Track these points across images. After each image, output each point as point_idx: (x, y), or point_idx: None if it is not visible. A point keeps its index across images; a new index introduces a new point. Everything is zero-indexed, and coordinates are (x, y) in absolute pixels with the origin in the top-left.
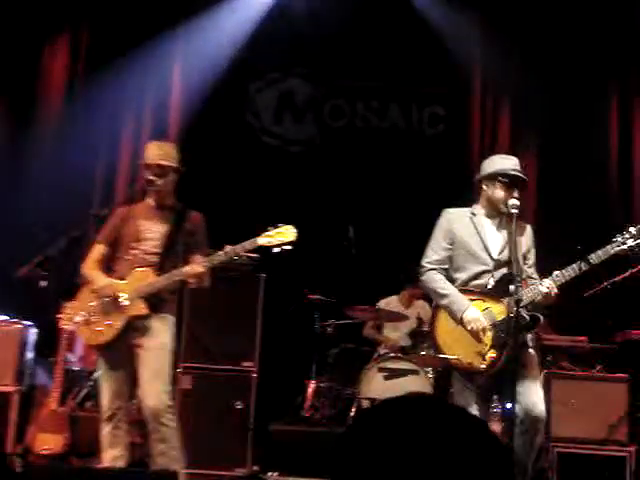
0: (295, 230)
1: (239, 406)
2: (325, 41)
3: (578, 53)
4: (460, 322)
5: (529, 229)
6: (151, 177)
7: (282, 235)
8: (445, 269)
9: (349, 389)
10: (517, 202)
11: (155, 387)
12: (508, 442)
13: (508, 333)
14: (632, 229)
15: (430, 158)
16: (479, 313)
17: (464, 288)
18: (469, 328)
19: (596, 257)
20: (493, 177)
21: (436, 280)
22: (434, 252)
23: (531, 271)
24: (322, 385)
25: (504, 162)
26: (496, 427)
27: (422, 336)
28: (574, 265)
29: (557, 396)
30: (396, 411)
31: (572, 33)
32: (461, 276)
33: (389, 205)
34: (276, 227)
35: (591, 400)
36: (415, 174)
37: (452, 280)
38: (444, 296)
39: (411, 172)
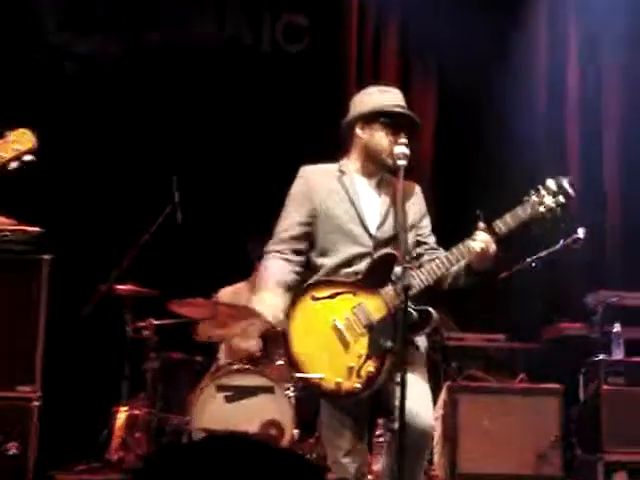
0: (32, 134)
1: (12, 451)
2: None
3: None
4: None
5: (417, 190)
6: None
7: (17, 144)
8: (300, 251)
9: (176, 417)
10: (406, 150)
11: None
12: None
13: (391, 336)
14: (550, 183)
15: (287, 87)
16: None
17: (331, 278)
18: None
19: (503, 225)
20: (371, 117)
21: (267, 267)
22: (282, 230)
23: (431, 241)
24: (137, 413)
25: (385, 97)
26: (378, 466)
27: (278, 339)
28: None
29: (464, 417)
30: (200, 457)
31: None
32: (327, 262)
33: (231, 154)
34: (2, 136)
35: (512, 421)
36: (267, 109)
37: (316, 267)
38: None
39: (261, 106)
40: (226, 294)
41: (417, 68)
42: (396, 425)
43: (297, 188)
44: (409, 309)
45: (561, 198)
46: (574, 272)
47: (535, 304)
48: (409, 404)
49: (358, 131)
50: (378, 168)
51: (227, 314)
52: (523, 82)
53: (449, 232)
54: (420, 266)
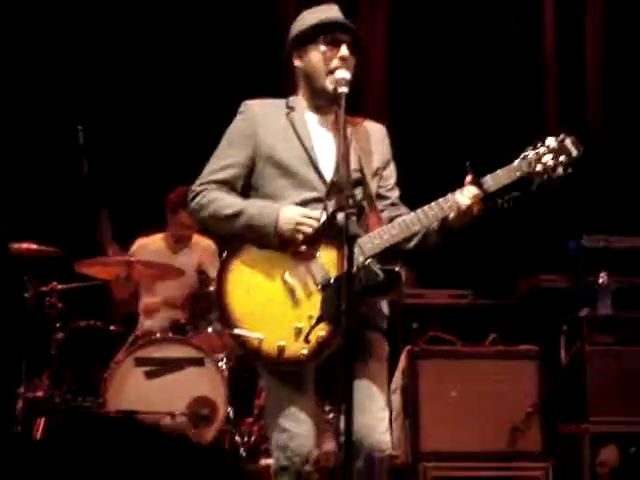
0: None
1: None
2: None
3: None
4: (279, 238)
5: (383, 131)
6: None
7: None
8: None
9: (89, 398)
10: (346, 74)
11: None
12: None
13: (346, 297)
14: (551, 141)
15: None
16: (310, 211)
17: None
18: (296, 235)
19: (493, 181)
20: (303, 39)
21: (217, 198)
22: (217, 169)
23: (394, 195)
24: (40, 395)
25: (314, 14)
26: (330, 445)
27: (208, 302)
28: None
29: (427, 386)
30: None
31: None
32: None
33: (150, 95)
34: None
35: (483, 389)
36: (196, 39)
37: None
38: (237, 214)
39: (188, 36)
40: (140, 247)
41: None
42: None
43: (237, 124)
44: (373, 267)
45: (562, 157)
46: (552, 215)
47: (507, 253)
48: (362, 410)
49: (296, 61)
50: (325, 101)
51: (145, 274)
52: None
53: (409, 182)
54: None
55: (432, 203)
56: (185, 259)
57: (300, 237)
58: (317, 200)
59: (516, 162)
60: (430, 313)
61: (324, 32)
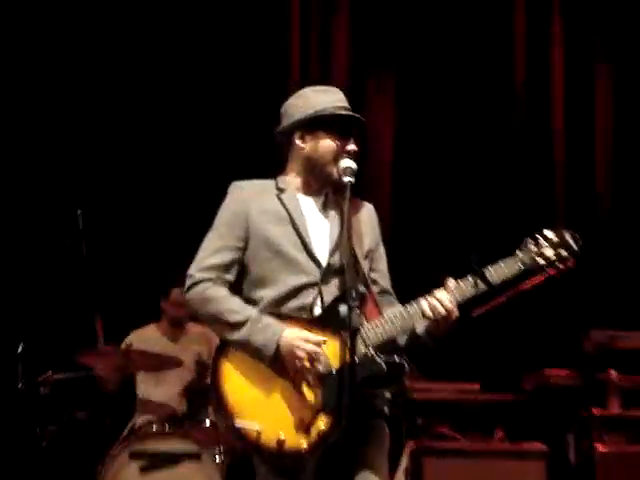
0: None
1: None
2: None
3: None
4: (273, 362)
5: (371, 211)
6: None
7: None
8: (230, 282)
9: None
10: (353, 164)
11: None
12: None
13: (347, 389)
14: (549, 234)
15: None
16: (311, 335)
17: (280, 311)
18: (296, 362)
19: (497, 273)
20: (313, 124)
21: (220, 297)
22: (212, 253)
23: (384, 283)
24: None
25: (326, 97)
26: None
27: (206, 393)
28: (469, 279)
29: None
30: None
31: None
32: (268, 293)
33: (141, 170)
34: None
35: None
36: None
37: (252, 301)
38: (236, 324)
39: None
40: (136, 338)
41: (372, 63)
42: None
43: (229, 205)
44: (377, 359)
45: (563, 251)
46: (560, 308)
47: (514, 347)
48: None
49: (298, 142)
50: (322, 185)
51: (142, 365)
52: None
53: (410, 266)
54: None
55: (407, 306)
56: (183, 348)
57: (297, 364)
58: (311, 285)
59: (516, 255)
60: (435, 408)
61: (339, 122)
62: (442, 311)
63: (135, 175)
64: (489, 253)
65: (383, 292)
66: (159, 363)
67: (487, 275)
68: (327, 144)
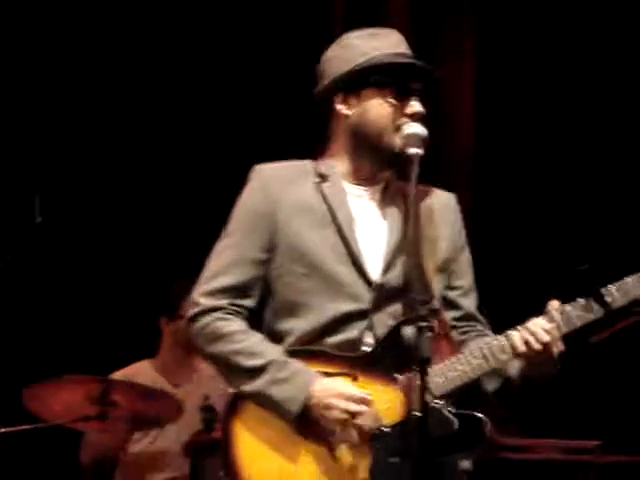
0: None
1: None
2: None
3: None
4: (300, 422)
5: (450, 203)
6: None
7: None
8: (249, 310)
9: None
10: (421, 130)
11: None
12: None
13: (410, 453)
14: None
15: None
16: (354, 389)
17: (313, 349)
18: (331, 425)
19: (622, 294)
20: (359, 79)
21: (226, 331)
22: (223, 270)
23: (468, 305)
24: None
25: (375, 42)
26: None
27: (214, 450)
28: (580, 301)
29: None
30: None
31: None
32: (299, 325)
33: (118, 152)
34: None
35: None
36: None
37: (278, 334)
38: (252, 370)
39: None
40: (124, 376)
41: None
42: None
43: (248, 198)
44: (446, 413)
45: None
46: None
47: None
48: None
49: (340, 107)
50: (380, 167)
51: (130, 400)
52: None
53: (500, 281)
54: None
55: (501, 335)
56: (188, 394)
57: (331, 416)
58: (361, 314)
59: None
60: (538, 472)
61: (387, 73)
62: (538, 346)
63: (124, 160)
64: (608, 265)
65: (467, 318)
66: (154, 408)
67: (606, 296)
68: (380, 105)
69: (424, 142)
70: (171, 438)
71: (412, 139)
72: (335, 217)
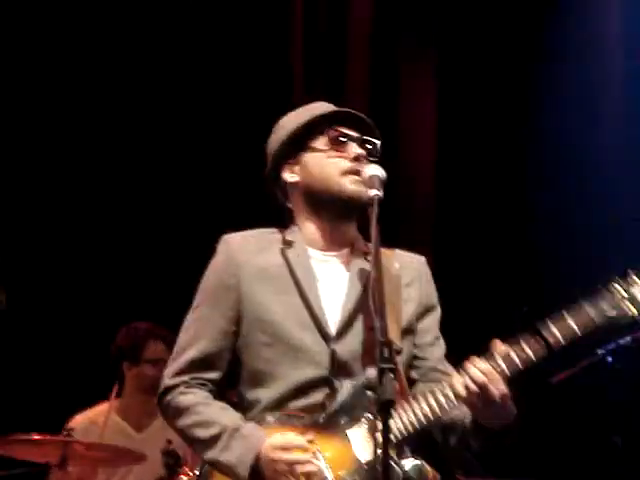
0: None
1: None
2: None
3: None
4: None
5: (419, 264)
6: None
7: None
8: (215, 382)
9: None
10: (378, 170)
11: None
12: None
13: None
14: (635, 277)
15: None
16: (301, 439)
17: (269, 416)
18: (278, 468)
19: (563, 332)
20: (295, 145)
21: (185, 405)
22: (188, 345)
23: (435, 355)
24: None
25: (304, 112)
26: None
27: None
28: (522, 341)
29: None
30: None
31: None
32: (265, 395)
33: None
34: None
35: None
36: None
37: (247, 404)
38: (208, 440)
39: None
40: (82, 424)
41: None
42: None
43: (215, 270)
44: (393, 463)
45: None
46: None
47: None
48: None
49: (287, 176)
50: (340, 219)
51: (90, 458)
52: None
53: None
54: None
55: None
56: (150, 437)
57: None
58: (324, 381)
59: (593, 302)
60: None
61: (326, 129)
62: (474, 388)
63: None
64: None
65: (432, 369)
66: (112, 458)
67: (546, 334)
68: (320, 160)
69: (382, 183)
70: None
71: (371, 181)
72: (298, 281)
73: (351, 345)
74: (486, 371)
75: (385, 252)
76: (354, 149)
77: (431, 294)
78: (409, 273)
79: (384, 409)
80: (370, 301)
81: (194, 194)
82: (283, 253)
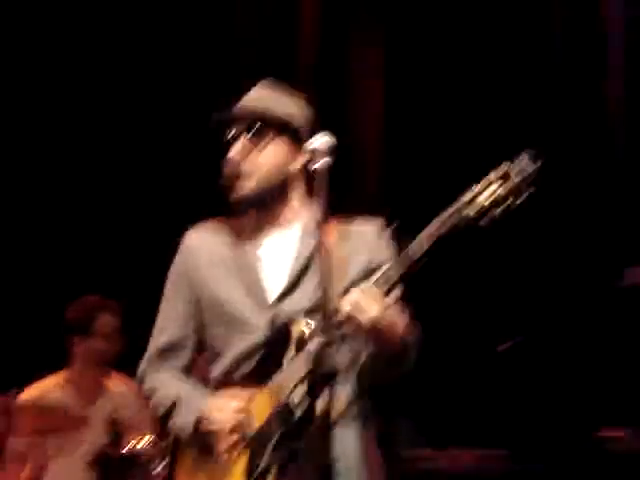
0: None
1: None
2: None
3: None
4: (201, 445)
5: (373, 227)
6: None
7: None
8: (181, 368)
9: None
10: (328, 140)
11: None
12: None
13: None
14: (492, 174)
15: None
16: (228, 402)
17: (221, 389)
18: (214, 427)
19: (416, 248)
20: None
21: (152, 387)
22: (160, 329)
23: None
24: None
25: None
26: None
27: (123, 466)
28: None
29: None
30: None
31: None
32: (217, 371)
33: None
34: None
35: None
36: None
37: (211, 382)
38: (167, 412)
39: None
40: (32, 395)
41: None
42: None
43: (175, 263)
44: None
45: (501, 190)
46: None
47: (556, 396)
48: None
49: None
50: (260, 211)
51: (35, 429)
52: None
53: None
54: None
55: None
56: (98, 409)
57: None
58: (263, 346)
59: (439, 217)
60: None
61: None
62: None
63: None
64: None
65: None
66: (60, 424)
67: (411, 254)
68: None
69: (331, 151)
70: (74, 450)
71: (315, 154)
72: (241, 262)
73: (297, 305)
74: (352, 301)
75: (336, 223)
76: (230, 153)
77: (381, 255)
78: (361, 235)
79: (325, 379)
80: (317, 269)
81: (155, 175)
82: (234, 237)
